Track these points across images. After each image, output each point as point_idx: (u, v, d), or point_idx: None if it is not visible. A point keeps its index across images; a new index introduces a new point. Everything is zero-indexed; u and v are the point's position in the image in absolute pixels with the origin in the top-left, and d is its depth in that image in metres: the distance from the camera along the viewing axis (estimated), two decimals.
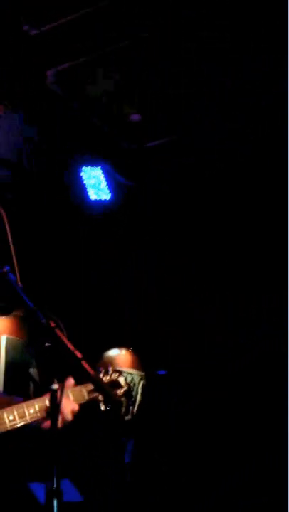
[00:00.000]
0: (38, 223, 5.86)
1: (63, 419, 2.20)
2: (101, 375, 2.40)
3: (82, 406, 2.32)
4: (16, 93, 4.95)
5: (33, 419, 2.17)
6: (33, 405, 2.18)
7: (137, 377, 8.32)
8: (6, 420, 2.11)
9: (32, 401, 2.20)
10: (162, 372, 6.20)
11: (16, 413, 2.14)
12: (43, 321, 2.13)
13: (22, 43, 4.45)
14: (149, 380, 7.52)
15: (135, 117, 5.11)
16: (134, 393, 8.15)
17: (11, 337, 6.65)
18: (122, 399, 2.38)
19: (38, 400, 2.21)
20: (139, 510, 5.53)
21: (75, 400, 2.30)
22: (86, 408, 2.31)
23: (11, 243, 2.23)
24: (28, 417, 2.15)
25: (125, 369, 8.19)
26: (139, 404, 7.92)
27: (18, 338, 6.71)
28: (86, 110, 5.13)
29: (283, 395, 4.83)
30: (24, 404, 2.18)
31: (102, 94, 4.92)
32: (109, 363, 2.42)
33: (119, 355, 8.51)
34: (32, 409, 2.17)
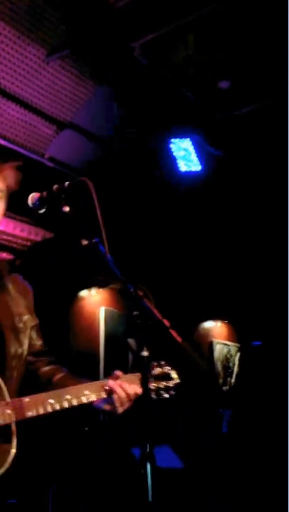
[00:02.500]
0: (128, 196, 5.92)
1: (122, 404, 2.28)
2: (153, 367, 2.41)
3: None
4: (105, 67, 4.99)
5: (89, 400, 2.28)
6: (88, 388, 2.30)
7: (233, 348, 8.33)
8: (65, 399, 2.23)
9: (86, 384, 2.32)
10: (257, 343, 6.15)
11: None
12: (132, 290, 2.18)
13: (108, 16, 4.47)
14: (245, 351, 7.50)
15: (224, 84, 5.00)
16: (231, 364, 8.17)
17: (110, 308, 6.85)
18: (172, 392, 2.37)
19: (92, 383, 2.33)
20: (236, 479, 5.56)
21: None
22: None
23: (99, 216, 2.27)
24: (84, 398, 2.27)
25: (222, 340, 8.21)
26: (236, 375, 7.91)
27: (115, 310, 6.91)
28: (173, 80, 5.08)
29: None
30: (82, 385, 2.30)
31: (189, 63, 4.84)
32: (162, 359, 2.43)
33: (215, 328, 8.54)
34: (87, 391, 2.28)
